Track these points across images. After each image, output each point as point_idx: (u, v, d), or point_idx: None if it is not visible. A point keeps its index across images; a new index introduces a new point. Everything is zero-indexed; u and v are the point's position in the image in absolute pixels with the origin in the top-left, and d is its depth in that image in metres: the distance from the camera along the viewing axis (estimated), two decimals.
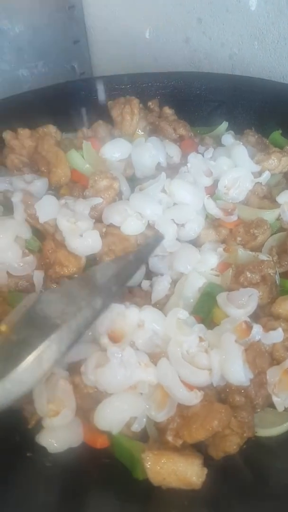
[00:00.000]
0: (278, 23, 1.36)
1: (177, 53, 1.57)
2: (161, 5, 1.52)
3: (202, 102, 1.37)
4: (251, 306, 0.87)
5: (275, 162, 1.14)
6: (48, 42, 1.49)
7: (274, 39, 1.40)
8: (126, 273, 0.78)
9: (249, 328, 0.82)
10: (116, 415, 0.75)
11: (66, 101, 1.33)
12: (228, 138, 1.21)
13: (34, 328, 0.66)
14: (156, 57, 1.61)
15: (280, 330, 0.84)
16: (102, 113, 1.31)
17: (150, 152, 1.14)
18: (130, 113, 1.26)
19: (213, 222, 1.06)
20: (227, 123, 1.32)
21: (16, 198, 0.98)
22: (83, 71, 1.66)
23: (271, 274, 0.93)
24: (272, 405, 0.80)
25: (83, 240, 0.95)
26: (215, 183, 1.09)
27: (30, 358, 0.59)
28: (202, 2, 1.45)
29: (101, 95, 1.36)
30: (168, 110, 1.33)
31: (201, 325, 0.84)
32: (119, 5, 1.60)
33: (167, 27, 1.55)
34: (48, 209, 0.97)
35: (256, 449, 0.76)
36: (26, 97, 1.31)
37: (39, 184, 1.06)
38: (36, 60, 1.47)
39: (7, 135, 1.18)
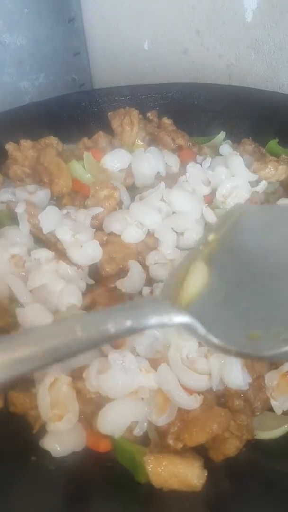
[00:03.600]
0: (274, 34, 1.40)
1: (175, 64, 1.60)
2: (159, 18, 1.55)
3: (200, 112, 1.39)
4: None
5: (272, 170, 1.16)
6: (49, 55, 1.52)
7: (270, 50, 1.43)
8: None
9: None
10: (118, 420, 0.76)
11: (67, 113, 1.36)
12: (226, 148, 1.23)
13: None
14: (155, 68, 1.64)
15: None
16: (102, 124, 1.34)
17: (150, 162, 1.16)
18: (129, 124, 1.29)
19: None
20: (225, 132, 1.34)
21: (20, 209, 1.00)
22: (83, 83, 1.69)
23: None
24: (270, 409, 0.82)
25: (83, 251, 0.97)
26: (213, 192, 1.12)
27: None
28: (200, 14, 1.48)
29: (101, 106, 1.38)
30: (166, 121, 1.36)
31: None
32: (118, 18, 1.63)
33: (166, 39, 1.58)
34: (51, 219, 1.00)
35: (255, 452, 0.78)
36: (28, 109, 1.34)
37: (41, 195, 1.08)
38: (37, 72, 1.50)
39: (10, 146, 1.21)
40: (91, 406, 0.79)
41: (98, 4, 1.61)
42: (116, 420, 0.76)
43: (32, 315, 0.87)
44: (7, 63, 1.41)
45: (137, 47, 1.63)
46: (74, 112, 1.37)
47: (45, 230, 0.99)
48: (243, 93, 1.38)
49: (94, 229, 1.02)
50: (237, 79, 1.52)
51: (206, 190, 1.11)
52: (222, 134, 1.34)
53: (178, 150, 1.28)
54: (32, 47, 1.45)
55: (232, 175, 1.13)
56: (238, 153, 1.17)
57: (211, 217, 1.07)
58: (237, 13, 1.42)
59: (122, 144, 1.27)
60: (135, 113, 1.30)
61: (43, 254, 0.97)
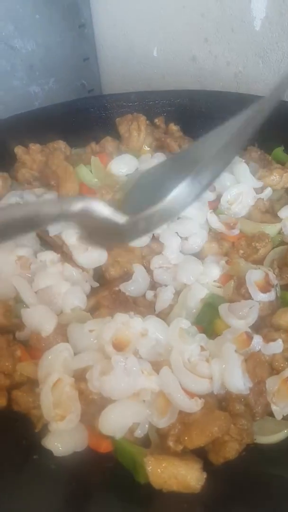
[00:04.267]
0: (282, 43, 1.41)
1: (184, 71, 1.62)
2: (168, 25, 1.57)
3: (207, 119, 1.40)
4: (252, 317, 0.90)
5: (277, 178, 1.17)
6: (59, 60, 1.54)
7: (278, 58, 1.44)
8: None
9: (250, 338, 0.85)
10: (120, 421, 0.77)
11: (76, 118, 1.38)
12: None
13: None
14: (164, 75, 1.66)
15: (280, 341, 0.87)
16: (110, 129, 1.36)
17: None
18: (137, 129, 1.31)
19: (216, 236, 1.09)
20: None
21: None
22: (92, 88, 1.71)
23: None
24: (271, 414, 0.83)
25: (89, 254, 0.99)
26: (218, 198, 1.13)
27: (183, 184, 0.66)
28: (208, 22, 1.50)
29: (109, 112, 1.40)
30: (173, 127, 1.37)
31: (203, 335, 0.87)
32: (128, 24, 1.65)
33: (175, 46, 1.60)
34: None
35: (255, 456, 0.78)
36: (37, 114, 1.37)
37: (48, 198, 1.10)
38: (47, 77, 1.52)
39: (19, 150, 1.23)
40: (93, 407, 0.80)
41: (108, 11, 1.63)
42: (117, 421, 0.77)
43: (36, 316, 0.88)
44: (17, 68, 1.43)
45: (146, 53, 1.65)
46: (82, 117, 1.39)
47: (52, 233, 1.01)
48: (250, 101, 1.39)
49: None
50: (244, 87, 1.54)
51: (211, 196, 1.12)
52: None
53: None
54: (42, 52, 1.48)
55: (237, 181, 1.14)
56: (243, 160, 1.18)
57: (216, 223, 1.08)
58: (246, 21, 1.43)
59: (129, 149, 1.29)
60: (142, 119, 1.32)
61: (49, 256, 0.99)
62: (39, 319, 0.88)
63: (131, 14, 1.61)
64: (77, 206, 0.61)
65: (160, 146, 1.32)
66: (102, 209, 0.62)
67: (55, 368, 0.81)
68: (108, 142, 1.30)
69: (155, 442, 0.79)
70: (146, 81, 1.66)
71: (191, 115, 1.41)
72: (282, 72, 1.26)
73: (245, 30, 1.45)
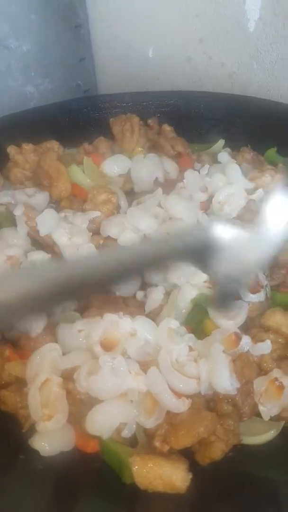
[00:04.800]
0: (276, 44, 1.41)
1: (179, 72, 1.61)
2: (163, 26, 1.57)
3: (200, 120, 1.41)
4: (241, 318, 0.90)
5: (269, 179, 1.17)
6: (54, 60, 1.53)
7: (272, 60, 1.44)
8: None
9: (238, 339, 0.85)
10: (107, 421, 0.77)
11: (69, 118, 1.38)
12: (224, 156, 1.25)
13: None
14: (159, 75, 1.66)
15: (268, 342, 0.87)
16: (103, 130, 1.36)
17: (148, 168, 1.18)
18: (130, 130, 1.31)
19: None
20: (224, 140, 1.36)
21: (18, 212, 1.02)
22: (88, 88, 1.71)
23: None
24: (258, 414, 0.83)
25: (78, 253, 0.98)
26: (210, 198, 1.13)
27: None
28: (203, 23, 1.50)
29: (103, 112, 1.40)
30: (167, 128, 1.37)
31: (191, 335, 0.87)
32: (124, 25, 1.65)
33: (170, 47, 1.59)
34: (48, 223, 1.01)
35: (242, 457, 0.78)
36: (31, 114, 1.36)
37: (40, 198, 1.10)
38: (42, 77, 1.51)
39: (12, 149, 1.23)
40: (80, 407, 0.80)
41: (104, 12, 1.63)
42: (104, 421, 0.77)
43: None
44: (12, 68, 1.42)
45: (141, 54, 1.65)
46: (76, 118, 1.39)
47: (42, 233, 1.01)
48: (243, 102, 1.40)
49: (91, 233, 1.04)
50: (239, 88, 1.54)
51: (203, 197, 1.12)
52: (221, 142, 1.36)
53: (177, 157, 1.29)
54: (37, 53, 1.47)
55: (229, 182, 1.14)
56: (235, 161, 1.18)
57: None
58: (240, 22, 1.43)
59: (122, 150, 1.29)
60: (135, 119, 1.32)
61: (40, 256, 0.98)
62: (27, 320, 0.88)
63: (126, 15, 1.61)
64: None
65: (153, 147, 1.32)
66: None
67: (43, 368, 0.81)
68: (102, 143, 1.30)
69: (142, 442, 0.79)
70: (142, 81, 1.66)
71: (185, 116, 1.41)
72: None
73: (240, 31, 1.45)
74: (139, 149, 1.31)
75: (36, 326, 0.87)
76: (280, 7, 1.33)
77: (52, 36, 1.49)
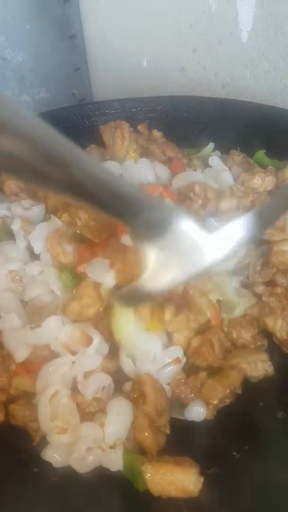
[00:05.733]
0: (268, 55, 1.43)
1: (173, 82, 1.64)
2: (158, 36, 1.59)
3: (189, 124, 1.42)
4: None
5: (259, 181, 1.19)
6: (49, 70, 1.55)
7: (265, 70, 1.46)
8: None
9: None
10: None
11: (59, 126, 1.38)
12: (215, 160, 1.26)
13: None
14: (154, 85, 1.67)
15: None
16: (94, 137, 1.36)
17: (140, 173, 1.19)
18: (120, 137, 1.31)
19: None
20: (213, 144, 1.37)
21: (16, 226, 1.02)
22: (83, 98, 1.72)
23: None
24: None
25: None
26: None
27: None
28: (196, 33, 1.51)
29: (93, 120, 1.41)
30: (157, 133, 1.38)
31: None
32: (118, 35, 1.66)
33: (164, 57, 1.61)
34: (42, 239, 1.01)
35: (254, 458, 0.80)
36: None
37: (36, 210, 1.10)
38: (38, 87, 1.53)
39: None
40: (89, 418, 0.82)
41: (98, 22, 1.64)
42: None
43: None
44: (8, 78, 1.44)
45: (136, 64, 1.66)
46: (66, 126, 1.39)
47: (36, 251, 1.01)
48: (232, 105, 1.42)
49: None
50: (232, 97, 1.55)
51: None
52: (210, 146, 1.37)
53: (168, 162, 1.31)
54: (33, 63, 1.48)
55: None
56: (227, 168, 1.20)
57: None
58: (233, 33, 1.45)
59: (113, 157, 1.30)
60: (125, 126, 1.33)
61: (39, 268, 0.99)
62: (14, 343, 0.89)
63: (120, 25, 1.62)
64: None
65: (144, 153, 1.33)
66: None
67: (54, 381, 0.82)
68: (93, 151, 1.31)
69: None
70: (137, 91, 1.67)
71: (174, 120, 1.43)
72: None
73: (233, 42, 1.46)
74: (132, 154, 1.31)
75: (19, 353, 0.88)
76: (272, 18, 1.35)
77: (47, 47, 1.51)
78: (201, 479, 0.74)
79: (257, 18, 1.37)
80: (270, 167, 1.27)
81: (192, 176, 1.18)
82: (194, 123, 1.43)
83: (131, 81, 1.69)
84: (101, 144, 1.34)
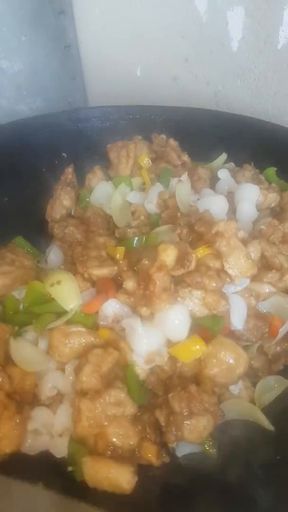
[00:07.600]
0: (258, 63, 1.45)
1: (166, 90, 1.67)
2: (151, 45, 1.63)
3: (204, 137, 1.41)
4: None
5: (261, 198, 1.21)
6: (45, 79, 1.59)
7: (255, 77, 1.48)
8: None
9: None
10: None
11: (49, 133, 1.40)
12: (223, 173, 1.27)
13: None
14: (147, 93, 1.71)
15: None
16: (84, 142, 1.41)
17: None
18: (126, 156, 1.34)
19: None
20: (226, 154, 1.37)
21: None
22: (78, 106, 1.76)
23: None
24: None
25: None
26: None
27: None
28: (188, 43, 1.55)
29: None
30: (172, 142, 1.37)
31: None
32: (112, 45, 1.71)
33: (157, 66, 1.65)
34: None
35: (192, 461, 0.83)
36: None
37: None
38: (34, 96, 1.56)
39: None
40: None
41: (93, 32, 1.69)
42: None
43: None
44: (5, 88, 1.49)
45: (130, 73, 1.71)
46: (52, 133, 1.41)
47: None
48: (244, 123, 1.40)
49: None
50: (224, 105, 1.58)
51: None
52: (223, 156, 1.37)
53: (182, 166, 1.32)
54: (29, 72, 1.53)
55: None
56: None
57: None
58: (224, 42, 1.47)
59: (117, 175, 1.33)
60: (131, 146, 1.35)
61: None
62: None
63: (114, 35, 1.67)
64: None
65: (159, 158, 1.34)
66: None
67: None
68: (97, 171, 1.35)
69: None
70: (131, 99, 1.70)
71: (189, 133, 1.41)
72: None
73: (223, 51, 1.49)
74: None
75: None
76: (261, 28, 1.37)
77: (43, 57, 1.55)
78: (135, 478, 0.77)
79: (247, 27, 1.39)
80: (273, 184, 1.26)
81: None
82: (209, 137, 1.40)
83: (125, 89, 1.73)
84: (95, 151, 1.39)
